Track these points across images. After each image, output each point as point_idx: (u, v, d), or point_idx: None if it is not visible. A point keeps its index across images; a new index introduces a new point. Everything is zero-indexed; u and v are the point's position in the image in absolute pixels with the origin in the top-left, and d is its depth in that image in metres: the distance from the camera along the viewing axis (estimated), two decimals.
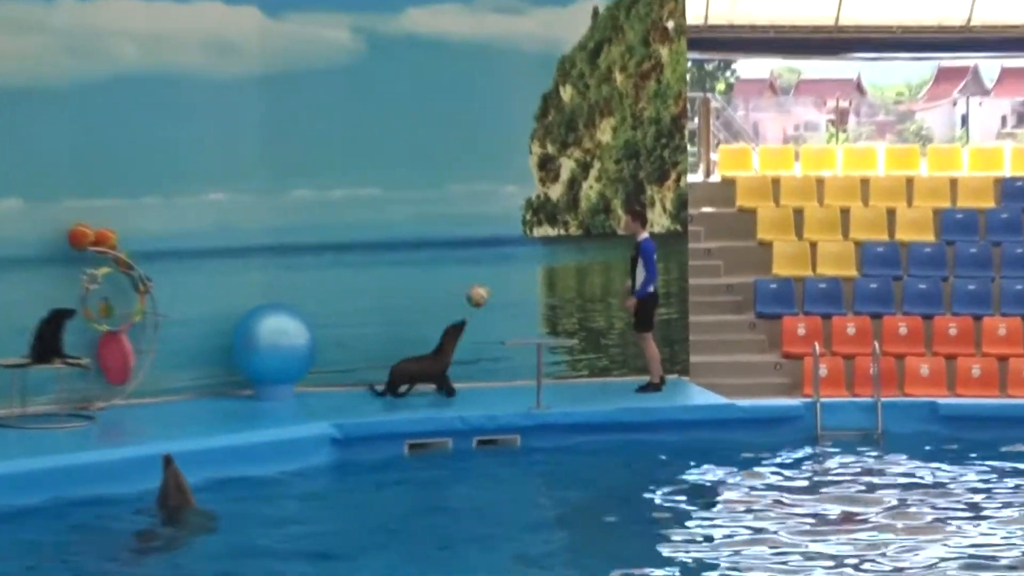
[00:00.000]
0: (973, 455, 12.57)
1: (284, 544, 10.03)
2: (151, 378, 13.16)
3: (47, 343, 12.51)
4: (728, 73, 24.82)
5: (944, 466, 12.32)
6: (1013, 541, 9.81)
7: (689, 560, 9.28)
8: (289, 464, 11.92)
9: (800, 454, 12.76)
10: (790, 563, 9.17)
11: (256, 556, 9.61)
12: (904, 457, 12.65)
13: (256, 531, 10.26)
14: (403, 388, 13.64)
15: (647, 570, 9.07)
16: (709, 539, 9.92)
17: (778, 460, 12.49)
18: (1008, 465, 12.35)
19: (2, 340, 12.40)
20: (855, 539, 9.78)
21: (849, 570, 9.08)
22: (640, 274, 13.84)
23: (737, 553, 9.53)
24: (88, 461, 11.12)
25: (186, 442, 11.40)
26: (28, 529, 10.19)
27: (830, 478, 12.05)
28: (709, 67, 23.39)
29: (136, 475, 10.72)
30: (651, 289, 13.89)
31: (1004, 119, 33.63)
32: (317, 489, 11.66)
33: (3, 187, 13.06)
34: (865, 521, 10.41)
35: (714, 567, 9.19)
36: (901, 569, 9.15)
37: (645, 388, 13.82)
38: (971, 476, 11.96)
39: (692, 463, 12.34)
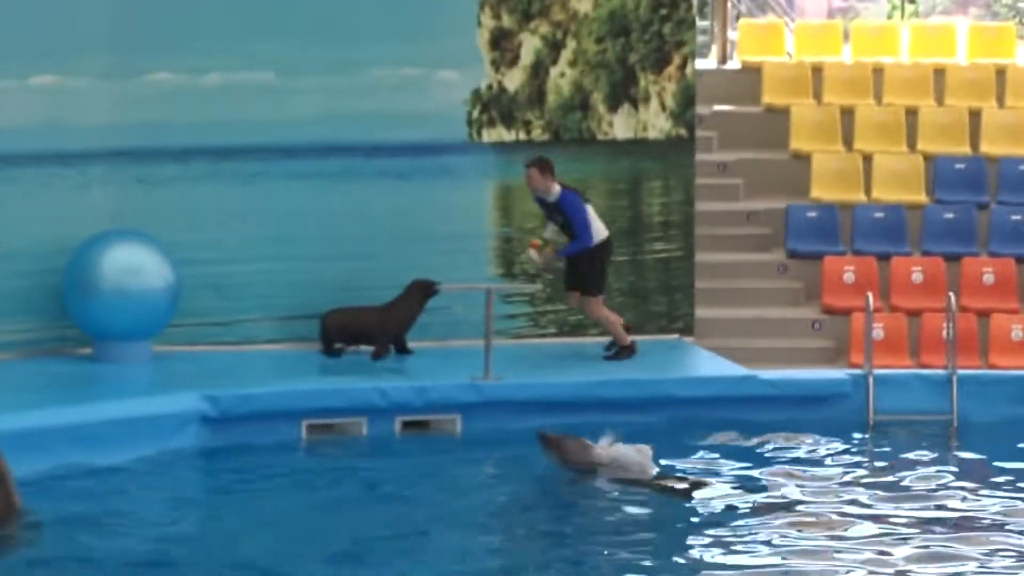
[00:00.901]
0: None
1: (133, 563, 8.95)
2: None
3: None
4: None
5: None
6: None
7: None
8: (142, 450, 11.07)
9: (845, 446, 12.04)
10: None
11: None
12: (987, 453, 11.75)
13: (93, 544, 9.21)
14: (338, 345, 13.44)
15: None
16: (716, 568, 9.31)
17: (815, 454, 11.82)
18: None
19: None
20: (916, 569, 9.01)
21: None
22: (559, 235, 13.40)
23: None
24: None
25: (2, 420, 10.73)
26: None
27: (885, 480, 11.22)
28: None
29: None
30: (589, 244, 13.50)
31: None
32: (179, 486, 11.01)
33: None
34: (930, 546, 9.46)
35: None
36: None
37: (617, 354, 13.29)
38: None
39: (696, 457, 11.65)
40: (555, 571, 9.53)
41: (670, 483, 11.48)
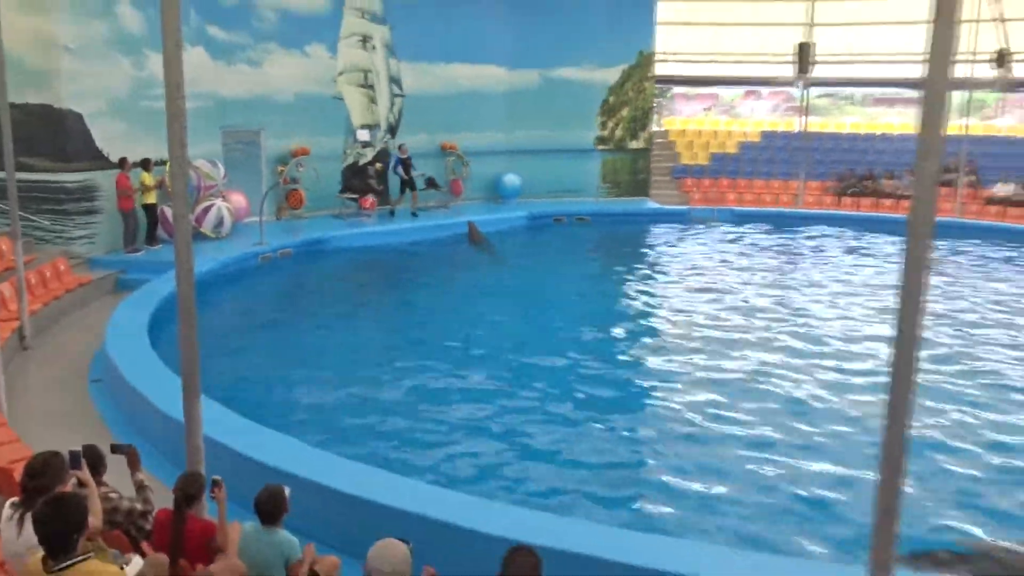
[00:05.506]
0: (761, 233, 22.03)
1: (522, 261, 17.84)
2: None
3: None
4: (672, 90, 34.92)
5: (735, 233, 22.12)
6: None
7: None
8: (500, 227, 21.27)
9: (687, 228, 23.22)
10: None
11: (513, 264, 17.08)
12: (721, 229, 23.10)
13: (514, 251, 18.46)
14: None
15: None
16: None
17: (683, 229, 22.49)
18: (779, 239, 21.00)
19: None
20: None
21: None
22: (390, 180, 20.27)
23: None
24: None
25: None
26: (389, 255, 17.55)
27: (694, 235, 21.75)
28: (664, 89, 32.33)
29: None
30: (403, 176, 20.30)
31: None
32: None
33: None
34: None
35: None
36: None
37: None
38: (764, 241, 21.54)
39: (649, 232, 21.91)
40: None
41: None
